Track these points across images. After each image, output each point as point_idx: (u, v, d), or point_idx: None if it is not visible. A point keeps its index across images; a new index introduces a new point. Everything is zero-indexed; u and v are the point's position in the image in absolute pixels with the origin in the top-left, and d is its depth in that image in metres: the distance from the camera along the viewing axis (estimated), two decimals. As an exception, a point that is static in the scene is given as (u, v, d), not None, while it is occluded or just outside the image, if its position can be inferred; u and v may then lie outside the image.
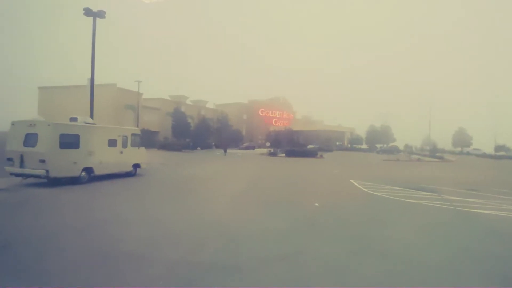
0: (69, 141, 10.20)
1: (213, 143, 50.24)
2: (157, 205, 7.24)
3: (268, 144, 37.04)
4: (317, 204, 7.93)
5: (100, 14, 14.22)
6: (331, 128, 62.17)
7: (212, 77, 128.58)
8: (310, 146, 43.41)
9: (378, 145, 55.35)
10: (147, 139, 27.12)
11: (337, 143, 60.56)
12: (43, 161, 9.33)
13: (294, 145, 36.62)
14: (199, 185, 10.49)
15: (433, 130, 71.54)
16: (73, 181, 10.33)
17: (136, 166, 13.36)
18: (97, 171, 11.21)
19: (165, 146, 38.63)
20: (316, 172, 17.17)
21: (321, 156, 32.00)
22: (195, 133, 45.70)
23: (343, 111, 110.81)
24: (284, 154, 34.29)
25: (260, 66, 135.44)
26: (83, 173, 10.63)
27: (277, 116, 73.13)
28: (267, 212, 6.97)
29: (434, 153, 37.22)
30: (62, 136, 9.93)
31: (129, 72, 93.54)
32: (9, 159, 9.60)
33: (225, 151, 35.56)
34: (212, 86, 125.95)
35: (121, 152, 12.49)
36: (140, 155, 13.47)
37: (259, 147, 55.31)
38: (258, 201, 8.19)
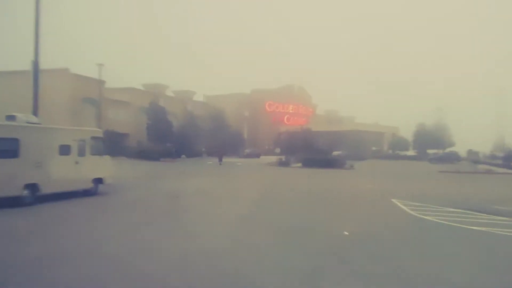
0: (4, 148, 9.76)
1: (204, 149, 51.31)
2: (124, 246, 6.50)
3: (278, 150, 37.44)
4: (346, 233, 7.87)
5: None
6: (365, 128, 61.89)
7: (201, 60, 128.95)
8: (336, 153, 43.97)
9: (430, 151, 53.82)
10: (113, 144, 27.74)
11: (374, 149, 60.49)
12: None
13: (313, 151, 36.82)
14: (185, 212, 10.12)
15: (509, 131, 65.72)
16: (12, 202, 9.88)
17: (98, 181, 13.29)
18: (45, 189, 10.84)
19: (138, 154, 39.20)
20: (343, 188, 17.07)
21: (351, 167, 32.09)
22: (179, 136, 46.34)
23: (381, 105, 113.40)
24: (300, 164, 34.60)
25: (266, 45, 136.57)
26: (26, 192, 10.26)
27: (291, 111, 74.06)
28: (281, 246, 6.85)
29: (510, 162, 32.95)
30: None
31: (90, 56, 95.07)
32: None
33: (220, 160, 35.91)
34: (201, 72, 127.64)
35: (77, 163, 12.35)
36: (104, 166, 13.42)
37: (266, 154, 56.23)
38: (269, 229, 8.09)
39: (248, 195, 13.23)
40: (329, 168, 31.29)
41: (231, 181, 18.92)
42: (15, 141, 10.12)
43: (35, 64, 14.70)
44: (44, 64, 15.67)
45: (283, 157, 36.30)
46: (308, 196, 14.13)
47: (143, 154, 39.10)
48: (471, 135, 63.96)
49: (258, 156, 53.07)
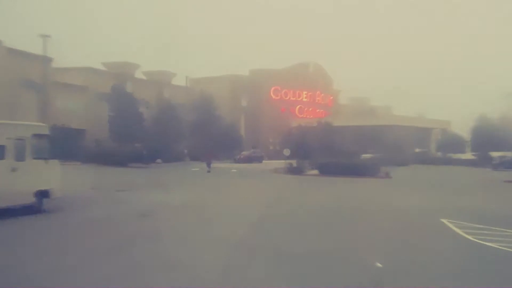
0: None
1: (187, 151, 51.98)
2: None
3: (287, 152, 37.35)
4: (379, 265, 8.01)
5: None
6: (406, 122, 61.76)
7: (183, 32, 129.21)
8: (365, 156, 44.47)
9: (494, 154, 52.53)
10: (63, 144, 27.50)
11: (417, 150, 60.59)
12: None
13: (335, 154, 36.95)
14: (154, 247, 9.50)
15: None
16: None
17: (43, 195, 13.33)
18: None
19: (98, 157, 39.66)
20: (377, 204, 17.10)
21: (387, 175, 32.18)
22: (152, 133, 47.01)
23: (428, 92, 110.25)
24: (316, 171, 34.77)
25: (270, 13, 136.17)
26: None
27: (305, 99, 74.38)
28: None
29: None
30: None
31: (34, 26, 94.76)
32: None
33: (209, 166, 36.15)
34: (183, 47, 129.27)
35: (13, 169, 12.37)
36: (50, 174, 13.49)
37: (271, 157, 56.63)
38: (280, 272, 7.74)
39: (245, 224, 12.16)
40: (357, 176, 31.32)
41: (220, 198, 18.72)
42: None
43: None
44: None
45: (294, 162, 36.27)
46: (333, 219, 13.82)
47: (104, 157, 39.32)
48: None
49: (260, 160, 53.35)
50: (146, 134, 46.02)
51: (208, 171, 34.86)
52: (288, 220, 13.43)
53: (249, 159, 51.78)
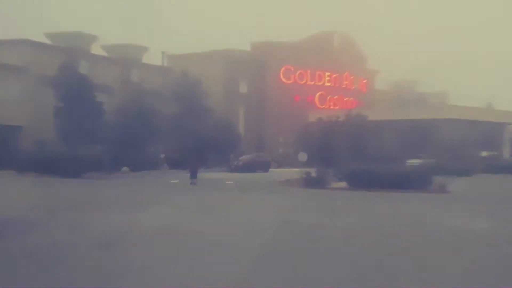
0: None
1: (163, 156, 52.20)
2: None
3: (303, 157, 37.10)
4: None
5: None
6: (469, 114, 61.67)
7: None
8: (412, 162, 44.80)
9: None
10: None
11: (484, 154, 59.92)
12: None
13: (370, 158, 36.74)
14: None
15: None
16: None
17: None
18: None
19: (40, 164, 39.97)
20: (430, 235, 16.52)
21: (443, 189, 31.63)
22: (117, 131, 47.44)
23: (497, 75, 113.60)
24: (344, 183, 34.45)
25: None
26: None
27: (328, 83, 75.29)
28: None
29: None
30: None
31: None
32: None
33: (194, 176, 35.99)
34: (157, 11, 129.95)
35: None
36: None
37: (281, 164, 57.26)
38: None
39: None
40: (401, 190, 30.83)
41: (201, 234, 17.30)
42: None
43: None
44: None
45: (312, 171, 35.92)
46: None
47: (49, 165, 39.37)
48: None
49: (265, 167, 53.39)
50: (107, 133, 46.15)
51: (193, 183, 34.88)
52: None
53: (250, 167, 51.66)
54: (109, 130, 46.58)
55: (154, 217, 19.32)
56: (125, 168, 44.72)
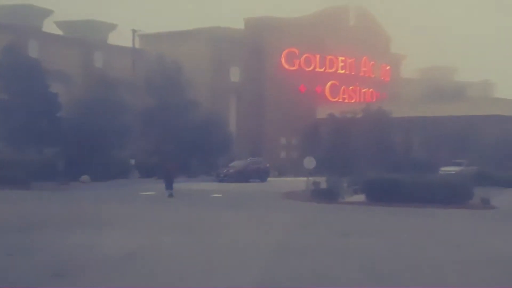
0: None
1: (134, 161, 51.80)
2: None
3: (310, 163, 36.86)
4: None
5: None
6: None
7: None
8: (446, 169, 44.97)
9: None
10: None
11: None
12: None
13: (394, 165, 36.44)
14: None
15: None
16: None
17: None
18: None
19: None
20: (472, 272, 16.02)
21: (487, 204, 31.35)
22: (75, 131, 47.36)
23: None
24: (362, 196, 34.32)
25: None
26: None
27: (341, 70, 75.67)
28: None
29: None
30: None
31: None
32: None
33: (170, 186, 35.78)
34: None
35: None
36: None
37: (283, 172, 57.51)
38: None
39: None
40: (433, 205, 30.62)
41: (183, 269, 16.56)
42: None
43: None
44: None
45: (322, 180, 35.70)
46: None
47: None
48: None
49: (263, 176, 53.45)
50: (63, 133, 45.98)
51: (170, 195, 34.80)
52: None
53: (244, 175, 51.49)
54: (65, 129, 46.28)
55: (107, 247, 18.70)
56: (84, 177, 44.51)
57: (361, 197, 34.13)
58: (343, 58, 72.98)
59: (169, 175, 36.32)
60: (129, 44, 60.40)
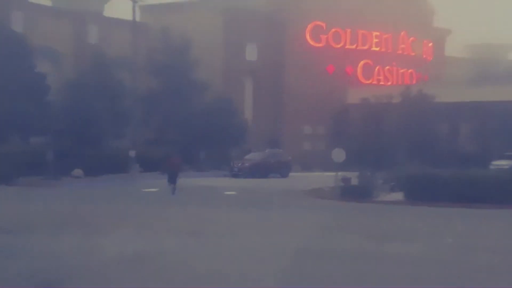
0: None
1: (134, 153, 51.10)
2: None
3: (339, 155, 36.82)
4: None
5: None
6: None
7: None
8: (499, 163, 44.86)
9: None
10: None
11: None
12: None
13: (438, 159, 36.52)
14: None
15: None
16: None
17: None
18: None
19: None
20: None
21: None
22: (66, 118, 47.82)
23: None
24: (400, 194, 34.41)
25: None
26: None
27: (375, 48, 75.61)
28: None
29: None
30: None
31: None
32: None
33: (174, 181, 35.82)
34: None
35: None
36: None
37: (307, 166, 58.00)
38: None
39: None
40: (483, 204, 30.70)
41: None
42: None
43: None
44: None
45: (353, 176, 36.04)
46: None
47: None
48: None
49: (283, 171, 53.73)
50: (53, 120, 46.40)
51: (174, 193, 35.19)
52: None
53: (262, 170, 51.85)
54: (55, 115, 46.74)
55: (98, 255, 18.54)
56: (77, 171, 44.87)
57: (398, 195, 34.21)
58: (377, 33, 72.82)
59: (173, 169, 36.73)
60: (128, 16, 60.37)
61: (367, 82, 69.59)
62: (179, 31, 55.41)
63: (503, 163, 44.69)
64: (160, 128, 53.07)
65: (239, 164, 52.76)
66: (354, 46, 71.75)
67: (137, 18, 60.51)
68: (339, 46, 70.72)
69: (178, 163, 37.51)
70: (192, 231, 22.44)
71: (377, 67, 72.72)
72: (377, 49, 73.20)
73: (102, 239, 19.52)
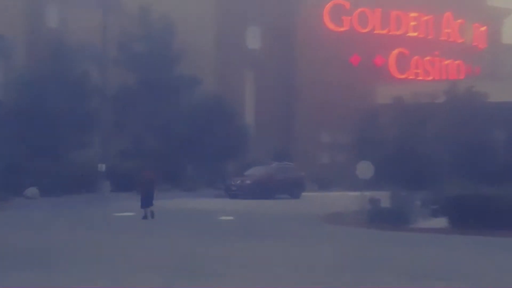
0: None
1: (103, 167, 51.25)
2: None
3: (366, 169, 36.86)
4: None
5: None
6: None
7: None
8: None
9: None
10: None
11: None
12: None
13: (491, 174, 36.93)
14: None
15: None
16: None
17: None
18: None
19: None
20: None
21: None
22: (15, 124, 48.27)
23: None
24: (444, 220, 34.09)
25: None
26: None
27: (412, 32, 76.34)
28: None
29: None
30: None
31: None
32: None
33: (147, 204, 35.73)
34: None
35: None
36: None
37: (324, 184, 58.50)
38: None
39: None
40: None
41: None
42: None
43: None
44: None
45: (383, 196, 35.87)
46: None
47: None
48: None
49: (294, 190, 53.76)
50: (3, 128, 46.71)
51: (146, 217, 35.40)
52: None
53: (265, 188, 51.99)
54: (2, 119, 47.16)
55: None
56: (32, 190, 45.09)
57: (442, 222, 34.01)
58: (415, 15, 73.36)
59: (146, 187, 36.77)
60: None
61: (402, 76, 70.16)
62: (161, 12, 55.83)
63: None
64: (137, 135, 53.26)
65: (238, 182, 52.81)
66: (385, 31, 72.36)
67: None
68: (366, 30, 71.32)
69: (152, 179, 37.29)
70: (175, 271, 22.13)
71: (415, 58, 73.19)
72: (415, 34, 73.76)
73: (54, 280, 18.77)
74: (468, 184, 35.11)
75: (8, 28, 52.29)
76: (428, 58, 73.05)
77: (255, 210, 42.60)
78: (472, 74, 68.46)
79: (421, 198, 36.07)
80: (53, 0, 59.20)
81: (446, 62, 73.06)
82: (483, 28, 77.73)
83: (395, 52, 72.14)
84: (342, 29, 69.68)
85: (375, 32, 71.41)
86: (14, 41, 52.31)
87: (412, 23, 73.08)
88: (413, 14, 72.85)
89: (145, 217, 35.02)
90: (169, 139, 49.70)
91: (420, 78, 69.00)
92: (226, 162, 55.62)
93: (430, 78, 68.49)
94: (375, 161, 38.14)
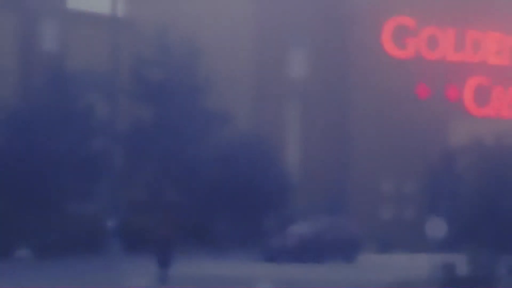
0: None
1: (110, 223, 50.99)
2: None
3: (438, 225, 36.37)
4: None
5: None
6: None
7: None
8: None
9: None
10: None
11: None
12: None
13: None
14: None
15: None
16: None
17: None
18: None
19: None
20: None
21: None
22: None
23: None
24: None
25: None
26: None
27: (493, 56, 75.56)
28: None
29: None
30: None
31: None
32: None
33: (166, 264, 35.21)
34: None
35: None
36: None
37: (386, 245, 58.47)
38: None
39: None
40: None
41: None
42: None
43: None
44: None
45: (461, 258, 34.90)
46: None
47: None
48: None
49: (348, 253, 52.68)
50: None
51: (165, 282, 34.19)
52: None
53: (312, 250, 50.68)
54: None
55: None
56: (19, 253, 45.52)
57: None
58: (498, 34, 73.43)
59: (163, 239, 36.12)
60: (105, 9, 60.55)
61: (482, 112, 68.60)
62: (183, 30, 54.96)
63: None
64: (154, 183, 52.57)
65: (279, 241, 52.19)
66: (459, 57, 71.70)
67: (119, 12, 60.44)
68: (435, 56, 70.38)
69: (171, 228, 36.52)
70: None
71: (497, 89, 72.30)
72: (497, 61, 72.83)
73: None
74: None
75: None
76: (515, 88, 72.09)
77: (300, 278, 41.01)
78: None
79: (509, 263, 35.00)
80: (51, 16, 59.16)
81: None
82: None
83: (473, 82, 70.99)
84: (406, 53, 69.16)
85: (446, 58, 70.50)
86: (4, 65, 52.25)
87: (494, 47, 72.13)
88: (495, 33, 71.78)
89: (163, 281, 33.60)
90: (192, 188, 49.19)
91: (504, 115, 67.93)
92: (264, 217, 54.75)
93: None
94: (449, 215, 37.53)
